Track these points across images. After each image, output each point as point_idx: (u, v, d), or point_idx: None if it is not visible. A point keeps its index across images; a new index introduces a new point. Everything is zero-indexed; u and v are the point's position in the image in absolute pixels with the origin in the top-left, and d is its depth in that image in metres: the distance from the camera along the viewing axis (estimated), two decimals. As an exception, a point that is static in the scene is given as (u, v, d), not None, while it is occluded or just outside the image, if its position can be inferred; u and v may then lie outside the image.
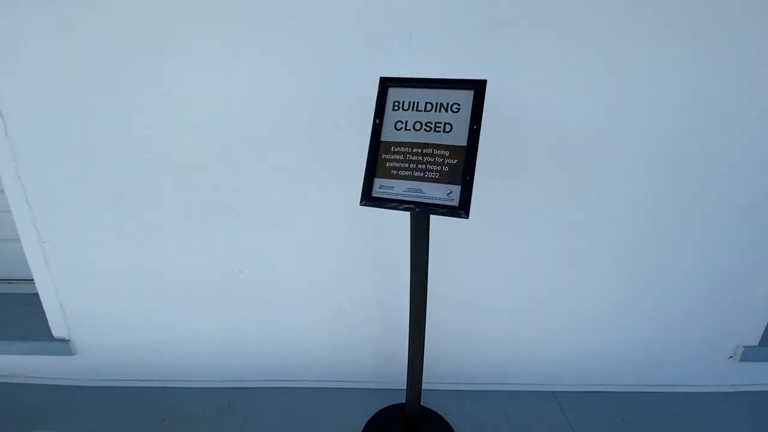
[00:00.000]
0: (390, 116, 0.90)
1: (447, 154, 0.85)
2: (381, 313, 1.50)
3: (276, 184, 1.32)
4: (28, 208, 1.36)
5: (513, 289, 1.44)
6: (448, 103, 0.87)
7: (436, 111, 0.87)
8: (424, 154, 0.87)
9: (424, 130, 0.88)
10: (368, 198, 0.88)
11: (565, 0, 1.10)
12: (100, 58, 1.18)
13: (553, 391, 1.59)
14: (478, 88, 0.85)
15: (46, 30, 1.16)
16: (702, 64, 1.16)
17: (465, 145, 0.84)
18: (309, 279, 1.44)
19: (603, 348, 1.54)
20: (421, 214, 0.88)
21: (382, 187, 0.89)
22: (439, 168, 0.86)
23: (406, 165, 0.88)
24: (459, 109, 0.86)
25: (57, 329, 1.54)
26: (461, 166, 0.84)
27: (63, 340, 1.55)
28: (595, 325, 1.50)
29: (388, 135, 0.90)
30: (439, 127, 0.87)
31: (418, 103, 0.89)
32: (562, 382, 1.60)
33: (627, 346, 1.54)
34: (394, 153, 0.89)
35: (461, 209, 0.82)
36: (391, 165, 0.89)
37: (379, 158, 0.90)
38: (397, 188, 0.88)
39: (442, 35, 1.14)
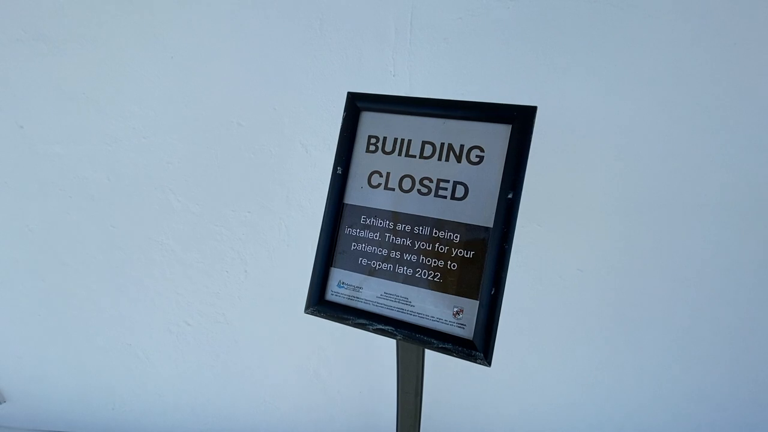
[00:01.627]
0: (362, 162, 0.52)
1: (457, 239, 0.48)
2: (366, 378, 1.17)
3: (224, 219, 0.97)
4: None
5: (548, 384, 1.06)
6: (462, 146, 0.48)
7: (440, 158, 0.49)
8: (416, 235, 0.49)
9: (419, 191, 0.50)
10: (318, 302, 0.52)
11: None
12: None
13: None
14: (521, 120, 0.46)
15: None
16: None
17: (490, 226, 0.46)
18: (274, 336, 1.12)
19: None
20: (410, 344, 0.51)
21: (343, 284, 0.52)
22: (441, 264, 0.48)
23: (385, 252, 0.51)
24: (482, 157, 0.47)
25: (-20, 374, 1.29)
26: (481, 265, 0.46)
27: (-11, 387, 1.30)
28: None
29: (356, 195, 0.52)
30: (445, 188, 0.49)
31: (410, 141, 0.50)
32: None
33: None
34: (365, 228, 0.51)
35: (477, 349, 0.45)
36: (359, 248, 0.52)
37: (340, 234, 0.52)
38: (368, 290, 0.51)
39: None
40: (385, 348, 1.10)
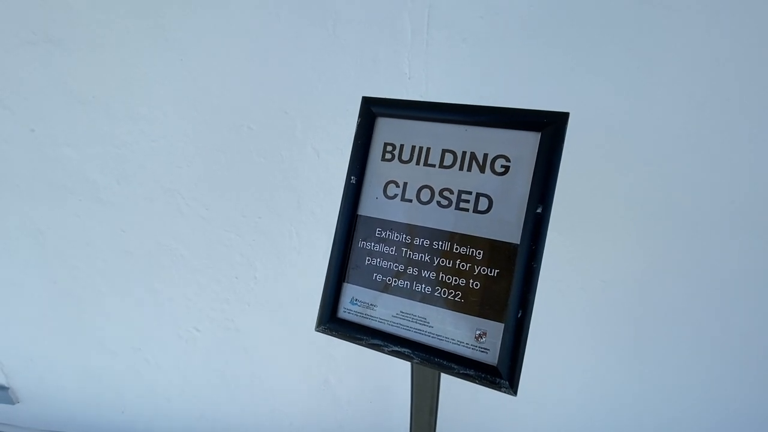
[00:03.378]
0: (377, 171, 0.49)
1: (480, 256, 0.44)
2: (376, 386, 1.14)
3: (234, 225, 0.95)
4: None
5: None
6: (486, 155, 0.45)
7: (462, 168, 0.46)
8: (435, 250, 0.46)
9: (438, 203, 0.46)
10: (330, 320, 0.49)
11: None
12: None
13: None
14: (552, 127, 0.42)
15: None
16: None
17: (517, 243, 0.43)
18: (284, 344, 1.10)
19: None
20: (426, 367, 0.48)
21: (356, 301, 0.49)
22: (462, 282, 0.45)
23: (401, 268, 0.47)
24: (508, 167, 0.44)
25: (-6, 375, 1.30)
26: (507, 285, 0.43)
27: (2, 388, 1.31)
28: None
29: (371, 206, 0.49)
30: (467, 200, 0.45)
31: (429, 150, 0.47)
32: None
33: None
34: (380, 241, 0.48)
35: (502, 376, 0.42)
36: (373, 263, 0.48)
37: (353, 247, 0.49)
38: (383, 308, 0.48)
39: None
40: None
